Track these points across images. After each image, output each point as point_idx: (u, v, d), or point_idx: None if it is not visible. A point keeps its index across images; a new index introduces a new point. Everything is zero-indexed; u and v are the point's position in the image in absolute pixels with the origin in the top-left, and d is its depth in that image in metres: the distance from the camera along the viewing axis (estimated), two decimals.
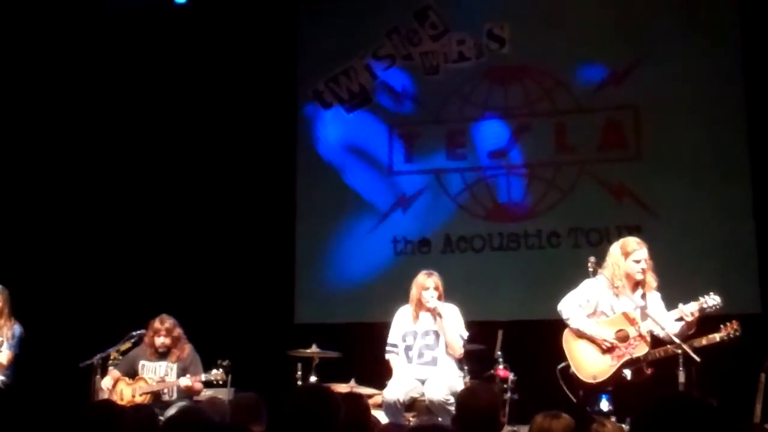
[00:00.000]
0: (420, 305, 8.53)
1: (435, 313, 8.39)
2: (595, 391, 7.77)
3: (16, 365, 9.25)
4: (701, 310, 7.64)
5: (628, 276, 7.87)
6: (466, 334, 8.52)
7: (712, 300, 7.67)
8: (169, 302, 9.65)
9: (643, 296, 7.82)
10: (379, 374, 8.81)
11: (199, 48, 11.84)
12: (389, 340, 8.68)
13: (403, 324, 8.67)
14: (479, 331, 9.10)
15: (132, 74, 11.87)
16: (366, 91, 11.79)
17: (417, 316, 8.58)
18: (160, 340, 9.19)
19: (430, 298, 8.42)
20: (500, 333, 9.04)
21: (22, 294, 9.64)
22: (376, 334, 9.03)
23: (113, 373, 9.08)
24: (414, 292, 8.59)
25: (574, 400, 7.75)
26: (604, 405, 7.77)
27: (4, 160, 11.43)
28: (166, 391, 9.08)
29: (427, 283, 8.52)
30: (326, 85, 11.88)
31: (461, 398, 5.07)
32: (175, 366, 9.16)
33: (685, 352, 7.40)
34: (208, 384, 9.07)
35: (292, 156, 11.88)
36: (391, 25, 11.73)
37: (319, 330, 10.14)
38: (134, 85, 11.91)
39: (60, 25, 11.57)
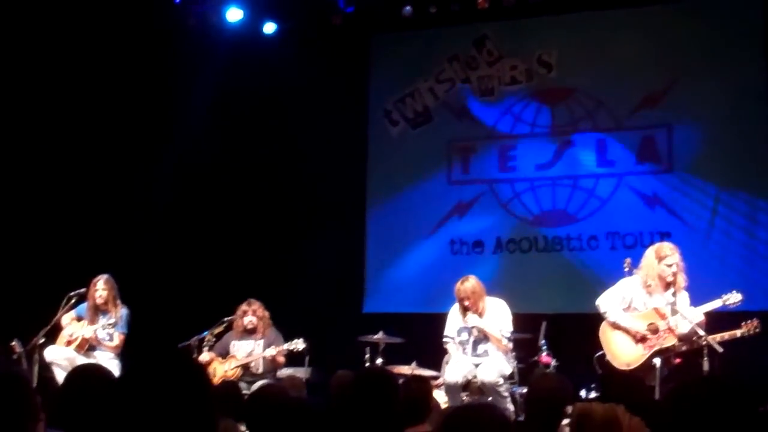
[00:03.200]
0: (464, 307, 8.55)
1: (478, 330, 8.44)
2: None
3: (125, 345, 9.42)
4: (724, 306, 7.62)
5: (660, 277, 7.85)
6: (509, 331, 8.51)
7: (734, 297, 7.67)
8: (255, 293, 9.74)
9: (674, 294, 7.78)
10: (437, 358, 8.89)
11: (288, 72, 11.94)
12: (445, 333, 8.77)
13: (455, 320, 8.72)
14: (525, 322, 9.12)
15: (235, 92, 12.06)
16: (429, 110, 11.82)
17: (465, 315, 8.60)
18: (248, 319, 9.32)
19: (466, 304, 8.44)
20: (544, 324, 9.03)
21: (132, 285, 9.83)
22: (435, 323, 9.08)
23: (209, 354, 9.22)
24: (456, 296, 8.64)
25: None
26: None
27: (108, 163, 11.63)
28: (253, 363, 9.19)
29: (459, 293, 8.56)
30: (394, 105, 11.94)
31: (534, 381, 5.04)
32: (261, 342, 9.27)
33: (709, 344, 7.37)
34: (289, 357, 9.18)
35: (363, 166, 11.94)
36: (452, 52, 11.75)
37: (385, 319, 10.20)
38: (234, 100, 12.10)
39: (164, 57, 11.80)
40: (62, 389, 3.75)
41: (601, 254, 10.70)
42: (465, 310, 8.54)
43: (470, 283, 8.57)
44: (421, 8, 11.29)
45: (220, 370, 9.19)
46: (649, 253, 8.04)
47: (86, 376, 3.73)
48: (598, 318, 8.10)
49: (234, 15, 11.53)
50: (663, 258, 7.87)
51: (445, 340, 8.74)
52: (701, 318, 7.58)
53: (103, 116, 11.53)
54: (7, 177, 10.79)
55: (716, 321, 7.70)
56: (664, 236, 10.09)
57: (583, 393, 8.23)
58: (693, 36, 10.81)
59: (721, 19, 10.70)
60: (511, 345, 8.52)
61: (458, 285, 8.61)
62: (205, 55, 11.79)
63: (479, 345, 8.52)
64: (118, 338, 9.29)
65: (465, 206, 11.46)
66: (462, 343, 8.58)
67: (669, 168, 10.81)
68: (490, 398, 8.05)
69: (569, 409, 4.80)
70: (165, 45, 11.68)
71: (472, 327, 8.45)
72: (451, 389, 8.22)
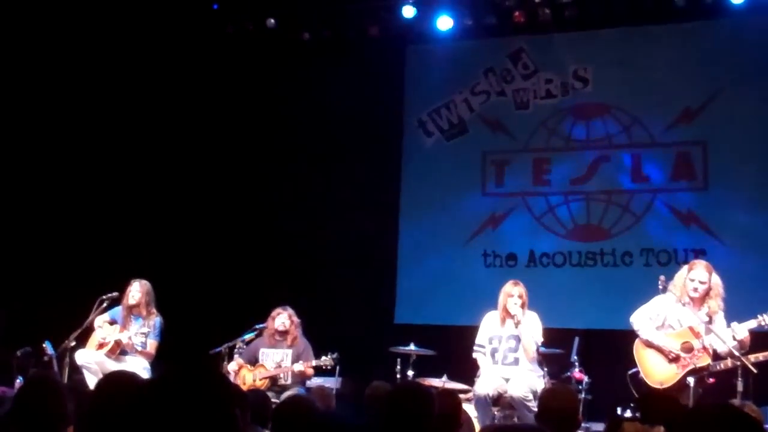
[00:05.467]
0: (505, 311, 8.48)
1: (515, 321, 8.34)
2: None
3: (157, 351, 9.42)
4: (759, 326, 7.50)
5: (683, 290, 7.74)
6: (540, 340, 8.47)
7: None
8: (287, 301, 9.68)
9: (708, 314, 7.67)
10: (468, 371, 8.80)
11: (324, 82, 11.92)
12: (477, 341, 8.66)
13: (490, 327, 8.63)
14: (557, 337, 9.03)
15: (270, 100, 12.09)
16: (464, 122, 11.76)
17: (503, 321, 8.53)
18: (281, 320, 9.34)
19: (514, 305, 8.38)
20: (576, 339, 8.93)
21: (165, 291, 9.82)
22: (467, 336, 8.99)
23: (238, 360, 9.21)
24: (501, 298, 8.57)
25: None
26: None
27: (143, 168, 11.65)
28: (282, 375, 9.17)
29: (512, 292, 8.49)
30: (429, 116, 11.88)
31: (543, 398, 5.01)
32: (290, 352, 9.27)
33: (744, 365, 7.25)
34: (318, 369, 9.14)
35: (397, 177, 11.89)
36: (488, 65, 11.69)
37: (417, 330, 10.14)
38: (270, 108, 12.13)
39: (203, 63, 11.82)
40: (93, 395, 3.72)
41: (635, 270, 10.58)
42: (505, 315, 8.47)
43: (522, 286, 8.55)
44: (458, 20, 11.25)
45: (249, 377, 9.17)
46: (683, 268, 7.99)
47: (117, 382, 3.70)
48: (630, 335, 8.01)
49: (272, 23, 11.53)
50: (690, 271, 7.80)
51: (475, 348, 8.63)
52: (745, 334, 7.45)
53: (140, 121, 11.57)
54: (42, 181, 10.85)
55: (751, 341, 7.56)
56: (699, 254, 9.99)
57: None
58: (730, 53, 10.69)
59: (759, 35, 10.57)
60: (538, 356, 8.44)
61: (510, 286, 8.53)
62: (242, 62, 11.81)
63: (510, 354, 8.44)
64: (151, 346, 9.30)
65: (499, 219, 11.39)
66: (494, 351, 8.50)
67: (704, 185, 10.70)
68: (518, 414, 8.01)
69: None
70: (203, 51, 11.71)
71: (513, 315, 8.33)
72: (481, 402, 8.13)
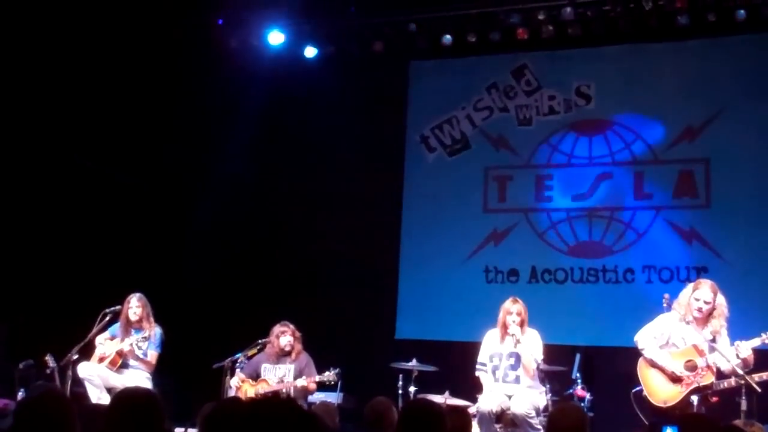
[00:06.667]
0: (505, 328, 8.50)
1: (515, 340, 8.36)
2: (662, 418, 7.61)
3: (158, 364, 9.40)
4: (763, 344, 7.52)
5: (688, 309, 7.76)
6: (540, 358, 8.46)
7: None
8: (288, 317, 9.68)
9: (712, 333, 7.69)
10: (470, 388, 8.79)
11: (327, 96, 11.91)
12: (479, 359, 8.67)
13: (490, 345, 8.64)
14: (559, 354, 9.05)
15: (274, 114, 12.14)
16: (466, 138, 11.79)
17: (503, 338, 8.54)
18: (286, 340, 9.34)
19: (512, 323, 8.40)
20: (577, 356, 8.95)
21: (167, 305, 9.83)
22: (468, 352, 9.01)
23: (239, 375, 9.20)
24: (500, 315, 8.57)
25: (645, 422, 7.63)
26: None
27: (146, 182, 11.67)
28: (284, 390, 9.16)
29: (511, 309, 8.50)
30: (432, 131, 11.91)
31: (553, 417, 5.01)
32: (292, 367, 9.27)
33: (747, 383, 7.27)
34: (320, 385, 9.14)
35: (399, 192, 11.90)
36: (491, 81, 11.74)
37: (418, 346, 10.15)
38: (273, 122, 12.19)
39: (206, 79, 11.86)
40: (109, 412, 3.72)
41: (637, 288, 10.61)
42: (505, 332, 8.48)
43: (522, 303, 8.55)
44: (461, 36, 11.27)
45: (251, 392, 9.17)
46: (688, 286, 8.00)
47: (132, 399, 3.71)
48: (632, 352, 8.01)
49: (275, 38, 11.57)
50: (696, 290, 7.80)
51: (477, 367, 8.64)
52: (749, 353, 7.47)
53: (140, 133, 11.60)
54: (43, 194, 10.87)
55: (755, 360, 7.56)
56: (701, 271, 10.04)
57: None
58: (732, 71, 10.75)
59: (762, 53, 10.64)
60: (538, 372, 8.46)
61: (509, 303, 8.54)
62: (245, 77, 11.84)
63: (511, 372, 8.45)
64: (152, 356, 9.28)
65: (500, 235, 11.40)
66: (494, 369, 8.51)
67: (707, 202, 10.73)
68: (520, 430, 8.03)
69: None
70: (206, 65, 11.75)
71: (512, 334, 8.34)
72: (485, 419, 8.13)
